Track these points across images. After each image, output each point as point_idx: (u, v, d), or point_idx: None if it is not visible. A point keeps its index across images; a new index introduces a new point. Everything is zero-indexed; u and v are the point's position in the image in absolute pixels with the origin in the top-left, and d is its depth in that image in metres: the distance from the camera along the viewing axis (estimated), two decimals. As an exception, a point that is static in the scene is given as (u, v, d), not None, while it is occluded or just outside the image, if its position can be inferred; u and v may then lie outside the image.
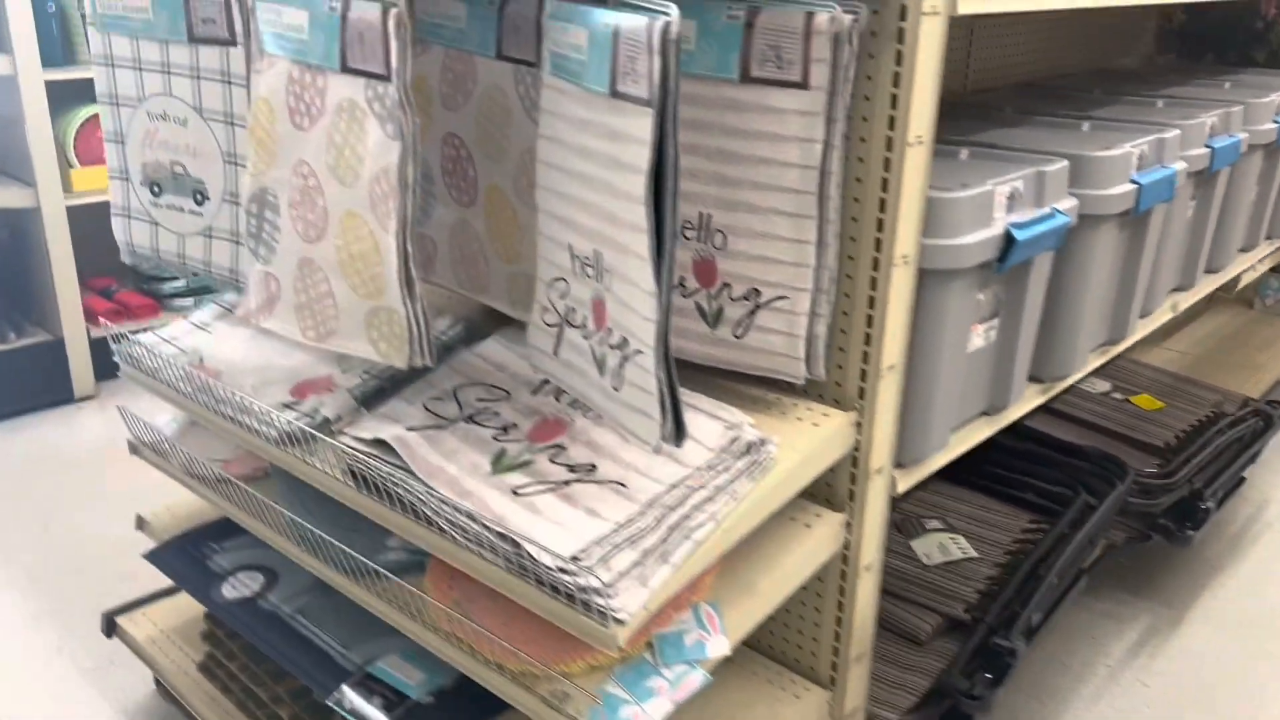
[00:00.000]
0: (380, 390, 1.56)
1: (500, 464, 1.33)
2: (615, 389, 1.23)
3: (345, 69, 1.28)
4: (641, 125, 1.07)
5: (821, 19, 1.18)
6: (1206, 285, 2.38)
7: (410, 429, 1.41)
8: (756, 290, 1.33)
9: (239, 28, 1.49)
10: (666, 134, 1.05)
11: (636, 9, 1.08)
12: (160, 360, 1.69)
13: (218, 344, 1.74)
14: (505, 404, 1.47)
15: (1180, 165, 1.87)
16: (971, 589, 1.80)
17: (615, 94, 1.11)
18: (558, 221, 1.29)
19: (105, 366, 3.56)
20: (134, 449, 1.88)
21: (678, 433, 1.16)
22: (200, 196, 1.63)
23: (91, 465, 3.09)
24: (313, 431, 1.44)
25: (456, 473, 1.31)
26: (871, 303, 1.32)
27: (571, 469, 1.31)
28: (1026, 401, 1.71)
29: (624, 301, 1.18)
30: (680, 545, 1.18)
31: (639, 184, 1.09)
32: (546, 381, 1.50)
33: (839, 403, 1.40)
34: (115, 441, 3.21)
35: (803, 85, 1.22)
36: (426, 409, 1.47)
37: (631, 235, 1.13)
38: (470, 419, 1.44)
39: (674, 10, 1.00)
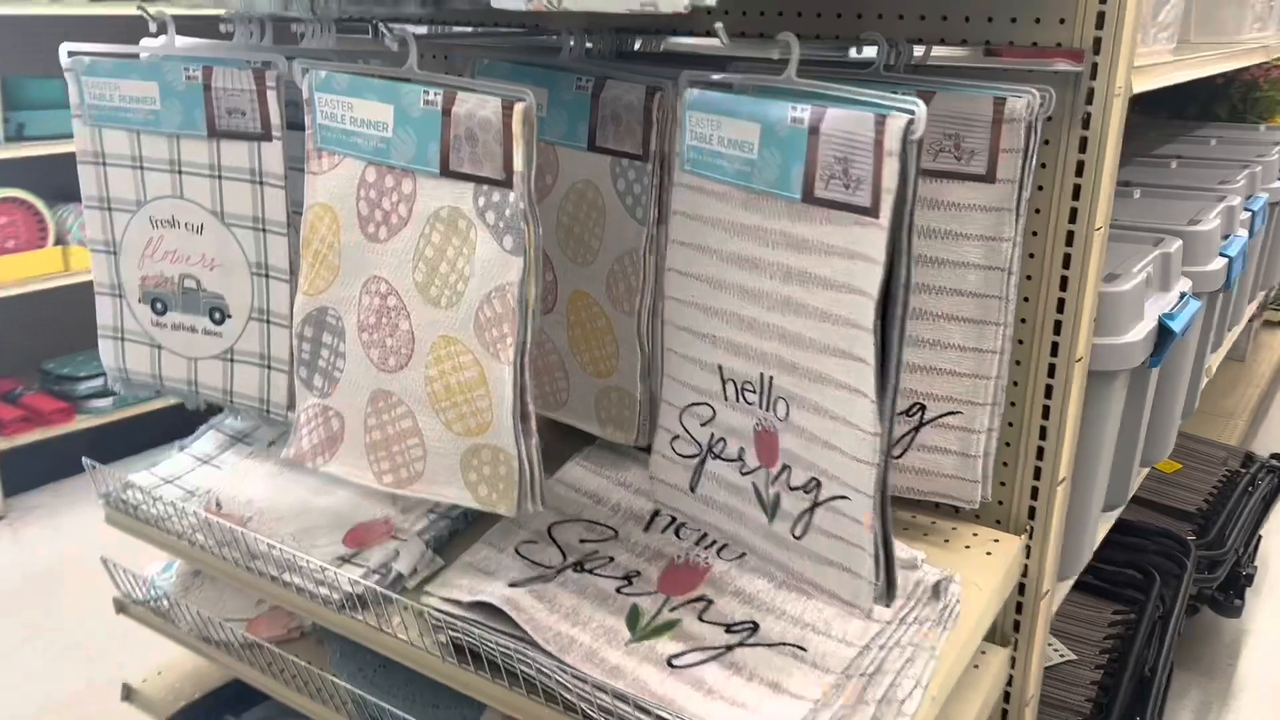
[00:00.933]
0: (454, 532, 1.34)
1: (640, 628, 1.13)
2: (796, 536, 1.05)
3: (446, 173, 1.08)
4: (862, 238, 0.91)
5: (1017, 105, 1.04)
6: (1227, 342, 2.34)
7: (513, 585, 1.20)
8: (921, 405, 1.17)
9: (276, 120, 1.27)
10: (900, 250, 0.88)
11: (842, 101, 0.92)
12: (164, 506, 1.42)
13: (233, 482, 1.48)
14: (616, 545, 1.27)
15: (1243, 232, 1.81)
16: (1081, 697, 1.67)
17: (813, 200, 0.95)
18: (699, 339, 1.11)
19: (15, 480, 3.17)
20: (121, 608, 1.59)
21: (890, 591, 0.99)
22: (219, 314, 1.38)
23: (17, 600, 2.71)
24: (391, 594, 1.21)
25: (591, 642, 1.11)
26: (1046, 412, 1.18)
27: (729, 629, 1.12)
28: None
29: (816, 436, 1.00)
30: (893, 721, 1.00)
31: (856, 306, 0.92)
32: (657, 513, 1.30)
33: (1002, 523, 1.24)
34: (39, 569, 2.84)
35: (988, 178, 1.07)
36: (521, 555, 1.26)
37: (833, 362, 0.96)
38: (580, 567, 1.23)
39: (920, 107, 0.85)
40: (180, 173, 1.34)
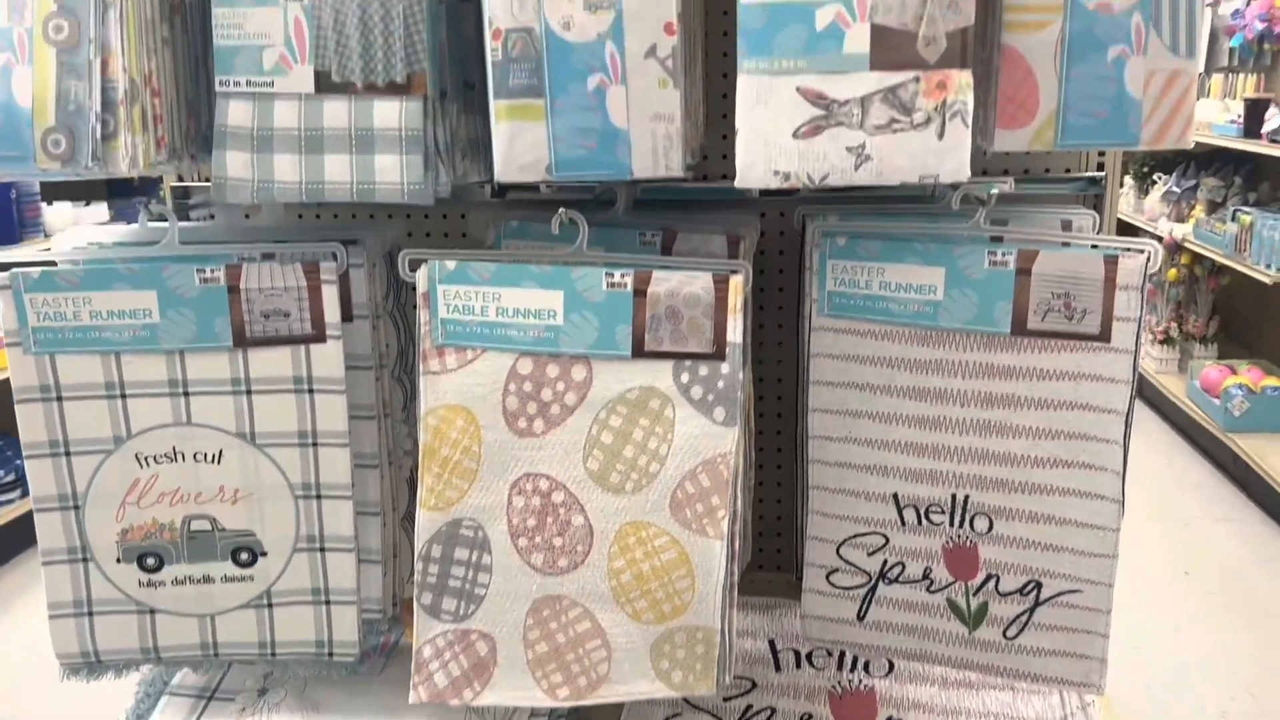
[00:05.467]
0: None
1: (863, 765, 1.14)
2: (1009, 636, 1.13)
3: (641, 354, 1.02)
4: (1093, 362, 1.03)
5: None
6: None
7: (704, 765, 1.14)
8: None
9: (333, 317, 1.10)
10: (1137, 368, 1.02)
11: (1043, 245, 1.04)
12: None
13: (252, 751, 1.22)
14: (762, 694, 1.25)
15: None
16: None
17: (1025, 332, 1.05)
18: (863, 472, 1.16)
19: None
20: None
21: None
22: (248, 555, 1.14)
23: None
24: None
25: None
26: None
27: (937, 740, 1.17)
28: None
29: (1035, 542, 1.10)
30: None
31: (1093, 422, 1.05)
32: (775, 651, 1.30)
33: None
34: None
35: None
36: (676, 733, 1.20)
37: (1059, 473, 1.07)
38: (747, 725, 1.20)
39: (1155, 247, 0.99)
40: (187, 394, 1.10)
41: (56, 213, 4.26)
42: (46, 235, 4.14)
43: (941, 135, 0.90)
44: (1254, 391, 4.04)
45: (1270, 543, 3.57)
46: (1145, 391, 4.82)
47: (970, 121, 0.91)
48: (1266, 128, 3.96)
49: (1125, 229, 5.48)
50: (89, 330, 1.07)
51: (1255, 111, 4.07)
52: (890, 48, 0.89)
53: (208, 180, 1.06)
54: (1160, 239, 4.92)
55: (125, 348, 1.08)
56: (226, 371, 1.10)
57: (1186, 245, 4.75)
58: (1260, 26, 3.85)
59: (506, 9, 0.93)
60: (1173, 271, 4.88)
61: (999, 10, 0.94)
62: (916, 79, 0.90)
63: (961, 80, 0.90)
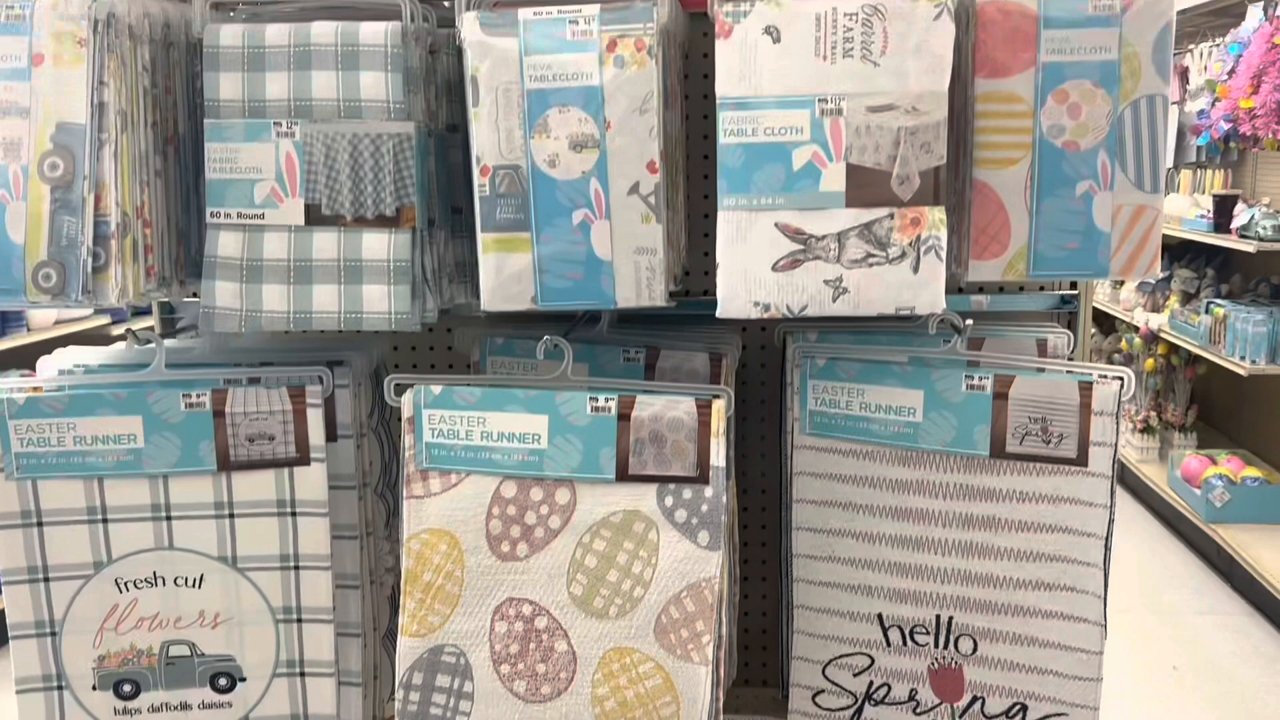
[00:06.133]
0: None
1: None
2: (996, 760, 1.12)
3: (624, 478, 1.03)
4: (1070, 485, 1.04)
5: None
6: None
7: None
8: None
9: (317, 440, 1.10)
10: (1114, 492, 1.03)
11: (1019, 369, 1.06)
12: None
13: None
14: (748, 817, 1.23)
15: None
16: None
17: (1003, 455, 1.06)
18: (848, 591, 1.16)
19: None
20: None
21: (1095, 786, 1.10)
22: (227, 680, 1.13)
23: None
24: None
25: None
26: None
27: None
28: None
29: (1019, 664, 1.10)
30: None
31: (1072, 544, 1.05)
32: (762, 772, 1.29)
33: None
34: None
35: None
36: None
37: (1041, 595, 1.08)
38: None
39: (1128, 374, 1.01)
40: (169, 519, 1.10)
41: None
42: (29, 329, 4.13)
43: (916, 269, 0.93)
44: (1234, 482, 4.06)
45: (1256, 637, 3.55)
46: (1127, 480, 4.83)
47: (944, 255, 0.93)
48: (1235, 223, 4.05)
49: (1102, 318, 5.55)
50: (72, 455, 1.07)
51: (1224, 207, 4.16)
52: (865, 186, 0.92)
53: (195, 296, 1.08)
54: (1137, 329, 4.99)
55: (108, 473, 1.08)
56: (210, 495, 1.10)
57: (1163, 335, 4.82)
58: (1225, 127, 3.96)
59: (494, 147, 0.96)
60: (1150, 361, 4.93)
61: (970, 147, 0.98)
62: (891, 215, 0.93)
63: (935, 216, 0.93)
